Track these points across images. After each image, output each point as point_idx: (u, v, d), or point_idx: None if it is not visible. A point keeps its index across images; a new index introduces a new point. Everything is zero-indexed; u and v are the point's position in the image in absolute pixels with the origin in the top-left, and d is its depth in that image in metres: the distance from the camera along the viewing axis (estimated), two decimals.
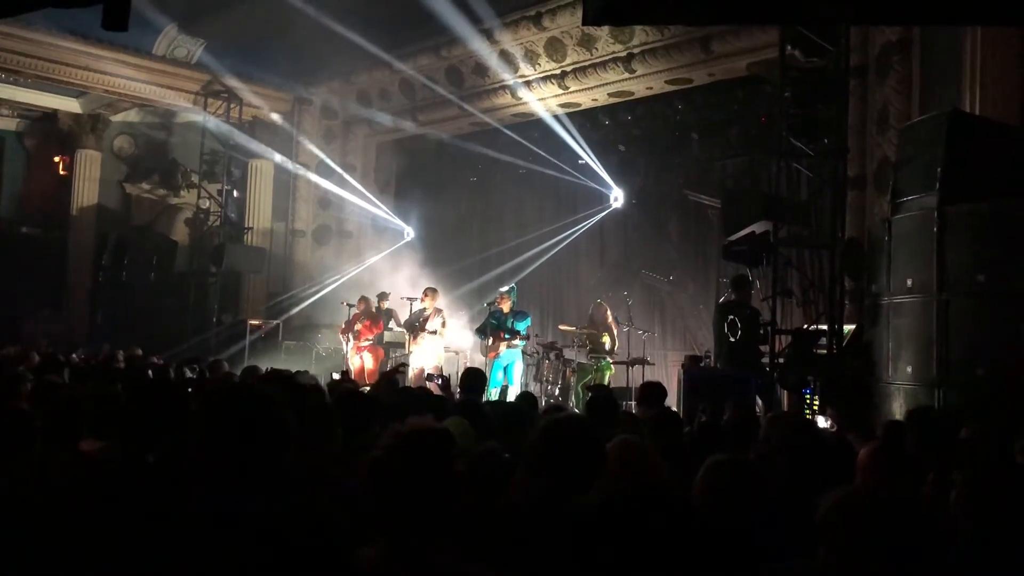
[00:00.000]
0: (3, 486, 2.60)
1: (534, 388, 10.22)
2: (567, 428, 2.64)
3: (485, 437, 3.83)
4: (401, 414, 3.55)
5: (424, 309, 10.81)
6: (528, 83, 11.90)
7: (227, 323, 14.04)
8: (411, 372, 10.30)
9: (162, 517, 2.07)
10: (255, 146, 14.52)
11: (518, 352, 10.34)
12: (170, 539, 1.93)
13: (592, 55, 11.08)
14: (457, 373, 9.59)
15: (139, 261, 14.61)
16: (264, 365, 8.30)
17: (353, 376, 10.16)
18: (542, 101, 12.02)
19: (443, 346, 10.92)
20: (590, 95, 11.79)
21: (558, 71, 11.53)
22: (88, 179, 15.23)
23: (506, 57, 11.70)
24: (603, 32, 10.61)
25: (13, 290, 13.38)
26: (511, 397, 9.20)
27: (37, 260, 14.76)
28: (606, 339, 10.27)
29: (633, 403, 7.97)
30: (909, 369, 5.91)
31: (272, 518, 1.84)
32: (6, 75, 13.31)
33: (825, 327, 7.08)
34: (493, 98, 12.55)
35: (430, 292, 10.91)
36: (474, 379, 5.93)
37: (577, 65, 11.31)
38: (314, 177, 14.63)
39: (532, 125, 12.65)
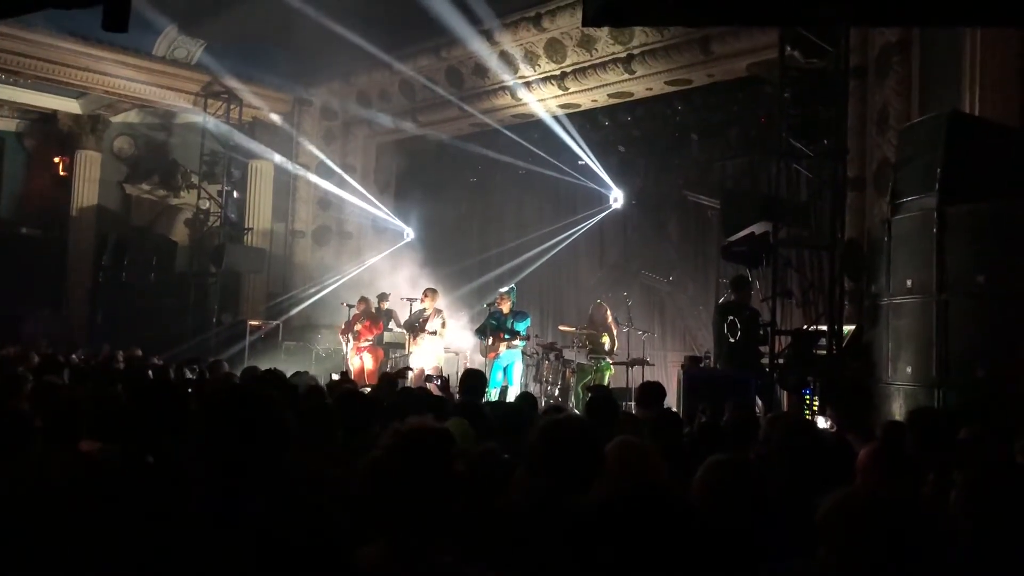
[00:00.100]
0: (3, 486, 2.60)
1: (534, 389, 10.22)
2: (566, 429, 2.65)
3: (485, 438, 3.83)
4: (401, 415, 3.55)
5: (424, 310, 10.81)
6: (528, 84, 11.90)
7: (227, 324, 14.04)
8: (411, 372, 10.30)
9: (162, 517, 2.07)
10: (255, 147, 14.53)
11: (518, 353, 10.35)
12: (170, 539, 1.93)
13: (592, 56, 11.08)
14: (457, 374, 9.58)
15: (139, 262, 14.61)
16: (264, 366, 8.29)
17: (353, 377, 10.15)
18: (542, 102, 12.02)
19: (443, 347, 10.92)
20: (590, 96, 11.80)
21: (558, 72, 11.53)
22: (88, 180, 15.23)
23: (506, 58, 11.70)
24: (603, 33, 10.61)
25: (13, 290, 13.38)
26: (511, 398, 9.20)
27: (37, 261, 14.76)
28: (606, 340, 10.27)
29: (632, 403, 7.96)
30: (909, 370, 5.91)
31: (272, 518, 1.84)
32: (6, 76, 13.32)
33: (825, 328, 7.08)
34: (493, 99, 12.56)
35: (430, 293, 10.91)
36: (474, 380, 5.92)
37: (577, 66, 11.32)
38: (314, 178, 14.63)
39: (532, 126, 12.65)
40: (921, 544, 1.88)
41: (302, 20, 11.06)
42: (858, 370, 6.65)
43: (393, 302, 11.93)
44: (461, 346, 11.77)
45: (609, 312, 10.51)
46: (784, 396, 7.50)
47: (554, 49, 11.33)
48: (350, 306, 11.93)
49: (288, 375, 7.25)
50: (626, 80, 11.06)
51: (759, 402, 7.01)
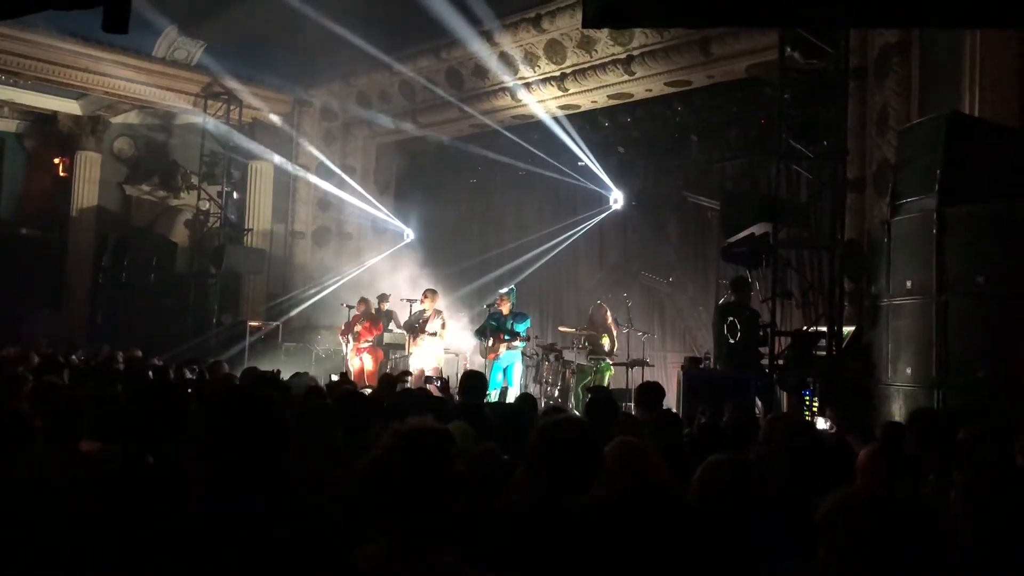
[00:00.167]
0: (3, 487, 2.60)
1: (534, 390, 10.22)
2: (565, 430, 2.65)
3: (485, 439, 3.83)
4: (401, 415, 3.55)
5: (424, 311, 10.81)
6: (528, 85, 11.90)
7: (227, 324, 14.04)
8: (410, 377, 10.30)
9: (162, 518, 2.07)
10: (255, 148, 14.53)
11: (518, 354, 10.34)
12: (170, 540, 1.93)
13: (592, 57, 11.09)
14: (457, 375, 9.59)
15: (139, 262, 14.61)
16: (264, 367, 8.30)
17: (353, 378, 10.15)
18: (542, 103, 12.02)
19: (443, 348, 10.92)
20: (589, 97, 11.80)
21: (558, 73, 11.53)
22: (88, 181, 15.23)
23: (506, 59, 11.71)
24: (602, 34, 10.61)
25: (13, 291, 13.37)
26: (511, 399, 9.20)
27: (37, 261, 14.75)
28: (605, 341, 10.27)
29: (632, 404, 7.96)
30: (908, 371, 5.91)
31: (272, 518, 1.85)
32: (6, 77, 13.31)
33: (824, 329, 7.09)
34: (493, 100, 12.56)
35: (430, 294, 10.91)
36: (474, 382, 5.91)
37: (576, 67, 11.32)
38: (314, 179, 14.64)
39: (532, 127, 12.66)
40: (921, 545, 1.88)
41: (302, 21, 11.06)
42: (858, 371, 6.65)
43: (393, 303, 11.93)
44: (461, 347, 11.77)
45: (609, 313, 10.51)
46: (784, 397, 7.50)
47: (554, 50, 11.33)
48: (350, 307, 11.93)
49: (288, 376, 7.27)
50: (626, 81, 11.07)
51: (759, 403, 7.01)
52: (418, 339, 10.66)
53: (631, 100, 11.71)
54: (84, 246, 15.00)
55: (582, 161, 12.29)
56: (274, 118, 14.62)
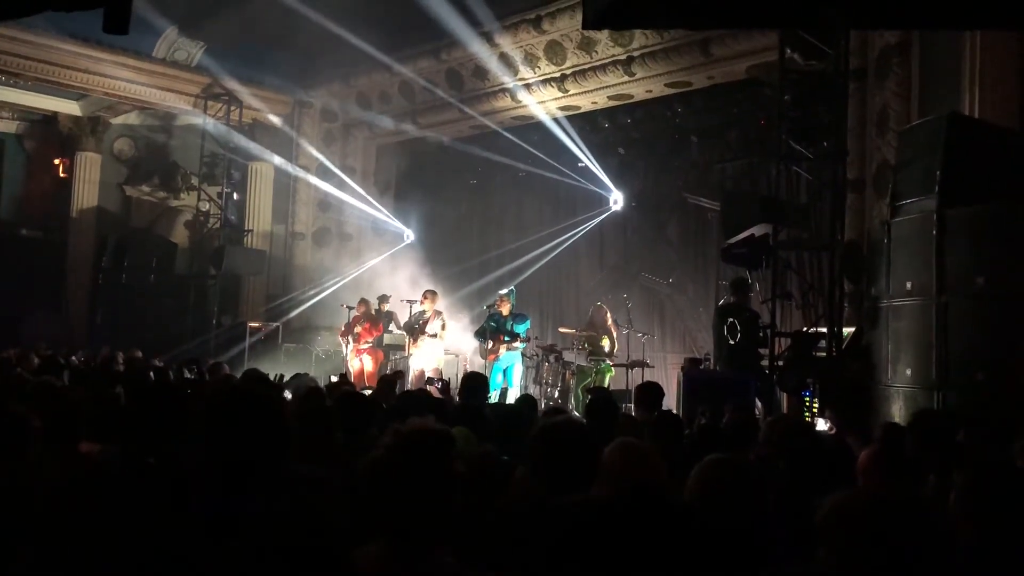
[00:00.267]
0: (3, 488, 2.60)
1: (534, 391, 10.21)
2: (565, 431, 2.65)
3: (485, 440, 3.83)
4: (401, 417, 3.55)
5: (424, 311, 10.81)
6: (528, 86, 11.90)
7: (227, 325, 14.04)
8: (411, 375, 10.30)
9: (162, 519, 2.07)
10: (255, 149, 14.53)
11: (518, 355, 10.34)
12: (170, 541, 1.93)
13: (592, 58, 11.09)
14: (457, 376, 9.60)
15: (139, 263, 14.61)
16: (264, 368, 8.30)
17: (353, 379, 10.16)
18: (542, 104, 12.03)
19: (443, 349, 10.92)
20: (590, 98, 11.80)
21: (558, 74, 11.54)
22: (88, 181, 15.22)
23: (506, 60, 11.71)
24: (603, 35, 10.62)
25: (13, 292, 13.37)
26: (511, 399, 9.20)
27: (37, 262, 14.74)
28: (605, 342, 10.27)
29: (632, 405, 7.96)
30: (908, 372, 5.91)
31: (272, 519, 1.84)
32: (6, 78, 13.31)
33: (824, 330, 7.09)
34: (493, 101, 12.56)
35: (430, 294, 10.91)
36: (475, 383, 5.90)
37: (577, 68, 11.32)
38: (314, 179, 14.64)
39: (532, 128, 12.66)
40: (921, 546, 1.88)
41: (302, 22, 11.06)
42: (858, 372, 6.64)
43: (393, 304, 11.93)
44: (461, 348, 11.77)
45: (609, 314, 10.51)
46: (784, 398, 7.50)
47: (554, 51, 11.34)
48: (350, 308, 11.93)
49: (288, 377, 7.27)
50: (626, 82, 11.07)
51: (759, 404, 7.01)
52: (418, 340, 10.66)
53: (631, 101, 11.72)
54: (84, 247, 14.99)
55: (582, 162, 12.29)
56: (274, 119, 14.62)
